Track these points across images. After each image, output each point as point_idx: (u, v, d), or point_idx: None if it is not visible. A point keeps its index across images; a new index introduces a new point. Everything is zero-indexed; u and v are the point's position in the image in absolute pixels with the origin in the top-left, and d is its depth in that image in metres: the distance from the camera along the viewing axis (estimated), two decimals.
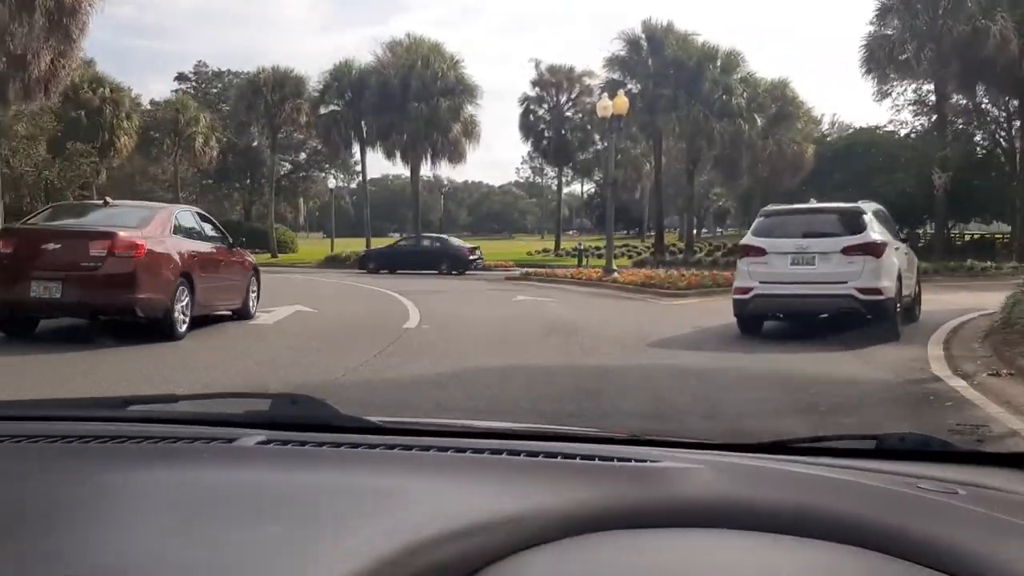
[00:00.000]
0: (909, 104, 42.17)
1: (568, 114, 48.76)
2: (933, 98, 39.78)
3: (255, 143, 55.89)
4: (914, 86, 41.89)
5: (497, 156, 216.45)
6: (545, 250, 49.31)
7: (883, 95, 43.02)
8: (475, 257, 29.41)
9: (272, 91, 41.63)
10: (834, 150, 36.69)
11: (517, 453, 1.11)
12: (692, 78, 33.21)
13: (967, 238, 37.63)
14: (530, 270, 26.16)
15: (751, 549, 0.83)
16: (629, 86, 32.97)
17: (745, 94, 33.28)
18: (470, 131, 37.18)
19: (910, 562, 0.78)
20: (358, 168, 72.69)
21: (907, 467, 1.09)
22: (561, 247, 48.32)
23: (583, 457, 1.09)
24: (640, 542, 0.84)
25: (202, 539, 0.80)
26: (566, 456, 1.09)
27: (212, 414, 1.42)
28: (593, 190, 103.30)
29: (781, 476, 1.02)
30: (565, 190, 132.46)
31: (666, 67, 33.76)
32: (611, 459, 1.07)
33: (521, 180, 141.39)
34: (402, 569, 0.73)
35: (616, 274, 21.47)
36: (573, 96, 48.63)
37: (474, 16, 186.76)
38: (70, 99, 42.40)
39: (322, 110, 40.40)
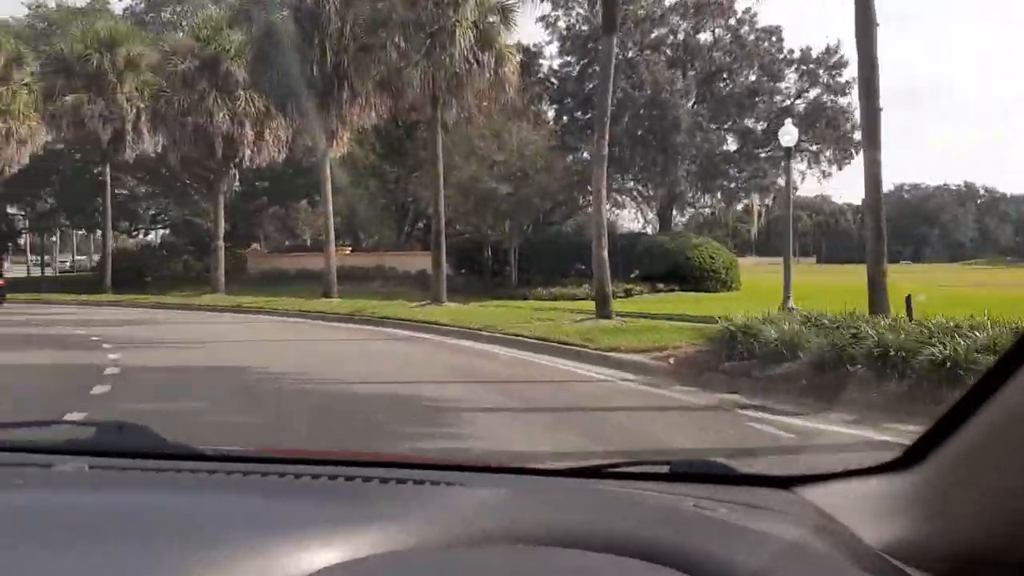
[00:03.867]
0: None
1: None
2: None
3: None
4: None
5: None
6: None
7: None
8: None
9: None
10: None
11: (335, 477, 1.17)
12: None
13: None
14: None
15: (541, 560, 0.90)
16: None
17: None
18: None
19: (674, 569, 0.85)
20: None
21: (691, 488, 1.21)
22: None
23: (398, 481, 1.17)
24: (443, 558, 0.90)
25: (10, 564, 0.80)
26: (382, 480, 1.17)
27: (32, 441, 1.40)
28: None
29: (583, 496, 1.15)
30: None
31: None
32: (423, 482, 1.16)
33: None
34: None
35: None
36: None
37: None
38: None
39: None
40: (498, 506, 1.05)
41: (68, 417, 5.76)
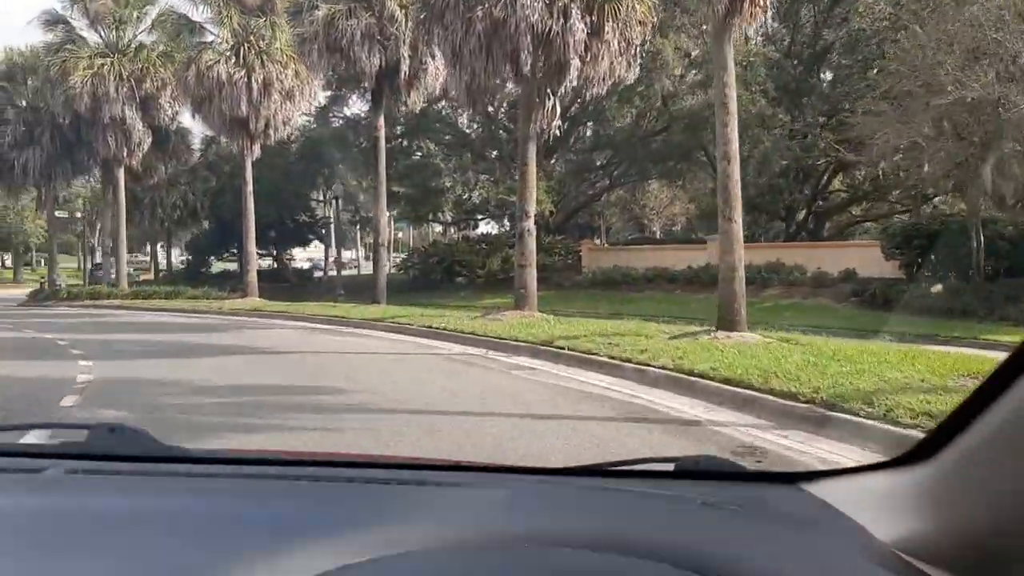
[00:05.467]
0: None
1: None
2: None
3: None
4: None
5: None
6: None
7: None
8: None
9: None
10: None
11: (335, 480, 1.17)
12: None
13: None
14: None
15: (549, 561, 0.88)
16: None
17: None
18: None
19: (682, 568, 0.84)
20: None
21: (698, 486, 1.20)
22: None
23: (399, 483, 1.16)
24: (450, 559, 0.88)
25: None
26: (381, 481, 1.16)
27: (24, 445, 1.38)
28: None
29: (589, 495, 1.14)
30: None
31: None
32: (427, 484, 1.15)
33: None
34: None
35: None
36: None
37: None
38: None
39: None
40: (504, 506, 1.04)
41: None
